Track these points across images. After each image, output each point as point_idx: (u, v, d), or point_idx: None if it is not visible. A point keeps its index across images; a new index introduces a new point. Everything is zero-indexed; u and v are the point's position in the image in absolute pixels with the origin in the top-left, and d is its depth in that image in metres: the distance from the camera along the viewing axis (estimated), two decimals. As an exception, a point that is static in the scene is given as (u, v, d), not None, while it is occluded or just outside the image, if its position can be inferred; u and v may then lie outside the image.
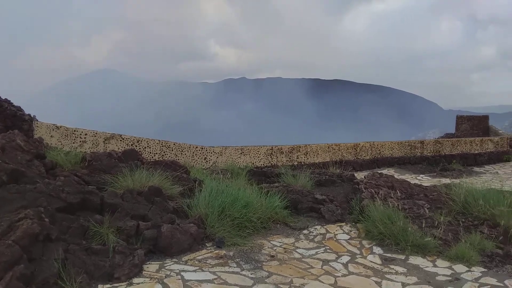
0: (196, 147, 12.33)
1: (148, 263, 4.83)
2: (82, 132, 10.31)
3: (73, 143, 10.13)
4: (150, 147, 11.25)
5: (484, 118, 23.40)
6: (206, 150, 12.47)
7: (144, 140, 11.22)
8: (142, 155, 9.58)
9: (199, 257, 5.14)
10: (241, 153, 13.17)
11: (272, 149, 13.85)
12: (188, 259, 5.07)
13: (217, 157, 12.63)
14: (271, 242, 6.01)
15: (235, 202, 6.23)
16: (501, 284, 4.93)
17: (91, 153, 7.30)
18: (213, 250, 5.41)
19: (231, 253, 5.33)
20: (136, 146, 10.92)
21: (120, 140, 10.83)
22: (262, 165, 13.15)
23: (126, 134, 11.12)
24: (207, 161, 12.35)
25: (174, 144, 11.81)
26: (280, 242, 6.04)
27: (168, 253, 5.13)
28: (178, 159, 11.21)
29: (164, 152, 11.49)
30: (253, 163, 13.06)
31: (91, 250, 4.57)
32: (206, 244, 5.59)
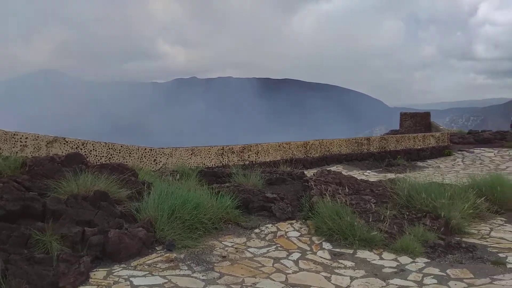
0: (145, 148, 12.08)
1: (95, 270, 4.68)
2: (22, 135, 9.83)
3: (13, 147, 9.64)
4: (96, 150, 10.90)
5: (426, 115, 24.40)
6: (156, 152, 12.25)
7: (90, 143, 10.86)
8: (88, 159, 9.26)
9: (149, 262, 5.04)
10: (191, 154, 13.04)
11: (223, 149, 13.81)
12: (137, 264, 4.95)
13: (167, 158, 12.44)
14: (222, 242, 5.99)
15: (186, 204, 6.14)
16: (444, 274, 5.16)
17: (32, 158, 6.98)
18: (163, 253, 5.31)
19: (182, 256, 5.26)
20: (81, 149, 10.54)
21: (64, 144, 10.42)
22: (213, 166, 13.09)
23: (71, 137, 10.71)
24: (156, 163, 12.14)
25: (121, 146, 11.51)
26: (231, 242, 6.03)
27: (116, 259, 4.99)
28: (126, 162, 10.94)
29: (111, 155, 11.17)
30: (204, 164, 12.97)
31: (34, 260, 4.37)
32: (156, 248, 5.48)
